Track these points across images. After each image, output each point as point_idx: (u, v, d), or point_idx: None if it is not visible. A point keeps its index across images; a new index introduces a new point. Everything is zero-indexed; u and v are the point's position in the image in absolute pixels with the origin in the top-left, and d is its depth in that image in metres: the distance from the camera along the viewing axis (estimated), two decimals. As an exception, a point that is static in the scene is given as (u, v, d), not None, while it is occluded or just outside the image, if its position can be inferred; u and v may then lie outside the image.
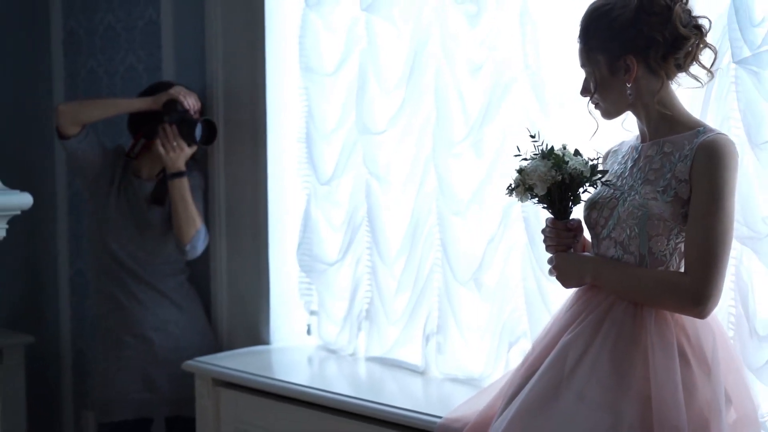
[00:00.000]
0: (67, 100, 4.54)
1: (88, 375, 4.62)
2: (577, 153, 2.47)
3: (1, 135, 4.55)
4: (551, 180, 2.42)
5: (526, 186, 2.45)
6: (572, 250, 2.52)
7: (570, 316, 2.47)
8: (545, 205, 2.50)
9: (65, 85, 4.56)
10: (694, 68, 2.42)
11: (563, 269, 2.51)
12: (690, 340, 2.34)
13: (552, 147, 2.47)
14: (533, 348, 2.58)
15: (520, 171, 2.47)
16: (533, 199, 2.49)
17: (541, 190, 2.43)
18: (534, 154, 2.48)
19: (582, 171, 2.42)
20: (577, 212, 2.53)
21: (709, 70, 2.41)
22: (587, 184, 2.45)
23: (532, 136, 2.51)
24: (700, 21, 2.38)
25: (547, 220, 2.53)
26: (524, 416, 2.34)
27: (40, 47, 4.63)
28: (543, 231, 2.56)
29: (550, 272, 2.55)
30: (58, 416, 4.77)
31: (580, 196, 2.48)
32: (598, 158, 2.49)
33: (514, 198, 2.54)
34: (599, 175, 2.44)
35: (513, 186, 2.49)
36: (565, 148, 2.47)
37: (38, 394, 4.71)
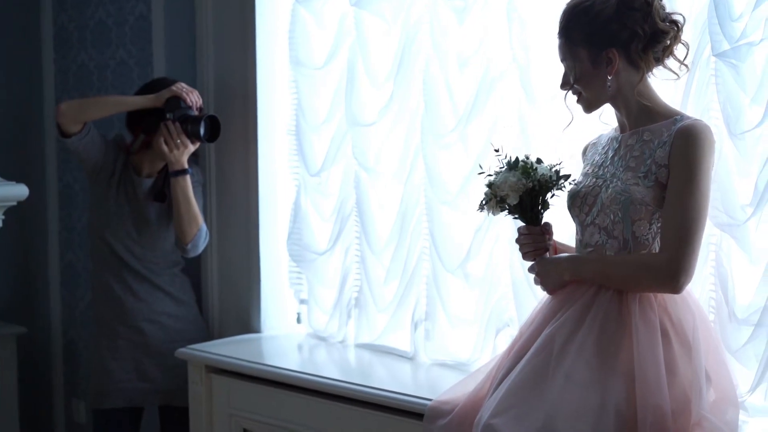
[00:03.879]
0: (58, 95, 4.58)
1: (79, 364, 4.67)
2: (539, 161, 2.58)
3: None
4: (523, 188, 2.53)
5: (498, 198, 2.55)
6: (548, 253, 2.62)
7: (557, 302, 2.56)
8: (516, 216, 2.61)
9: (56, 79, 4.60)
10: (670, 61, 2.54)
11: (543, 275, 2.61)
12: (672, 319, 2.44)
13: (517, 158, 2.58)
14: (520, 333, 2.66)
15: (490, 185, 2.58)
16: (504, 212, 2.60)
17: (513, 200, 2.54)
18: (500, 168, 2.58)
19: (550, 176, 2.54)
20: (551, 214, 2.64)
21: (683, 63, 2.53)
22: (555, 189, 2.56)
23: (496, 150, 2.62)
24: (675, 17, 2.50)
25: (520, 228, 2.63)
26: (513, 395, 2.42)
27: (31, 41, 4.66)
28: (517, 240, 2.66)
29: (535, 281, 2.65)
30: (48, 405, 4.81)
31: (548, 202, 2.59)
32: (560, 163, 2.59)
33: (484, 214, 2.64)
34: (563, 179, 2.56)
35: (485, 200, 2.59)
36: (528, 158, 2.58)
37: (29, 383, 4.74)
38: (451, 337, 3.33)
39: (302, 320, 3.86)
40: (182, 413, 3.75)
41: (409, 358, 3.42)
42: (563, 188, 2.57)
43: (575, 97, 2.60)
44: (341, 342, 3.65)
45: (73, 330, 4.70)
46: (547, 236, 2.62)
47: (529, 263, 2.65)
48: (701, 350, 2.41)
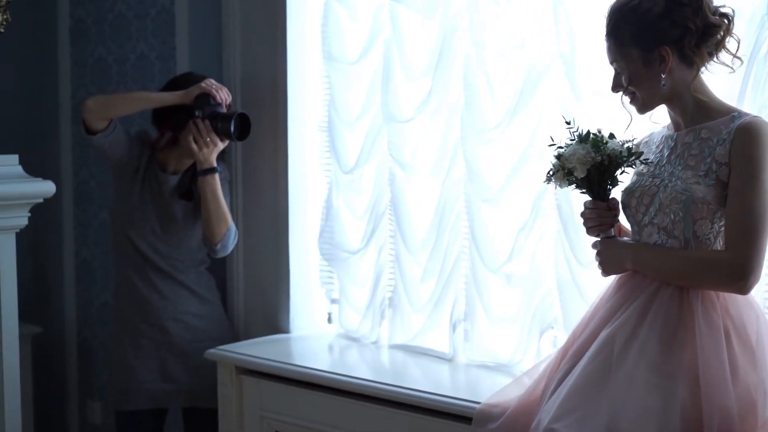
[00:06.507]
0: (74, 89, 4.51)
1: (95, 364, 4.61)
2: (612, 136, 2.54)
3: (6, 123, 4.50)
4: (591, 162, 2.48)
5: (566, 170, 2.50)
6: (612, 230, 2.57)
7: (614, 303, 2.52)
8: (584, 190, 2.55)
9: (72, 73, 4.52)
10: (722, 55, 2.49)
11: (605, 256, 2.56)
12: (734, 321, 2.40)
13: (588, 131, 2.53)
14: (574, 334, 2.62)
15: (559, 157, 2.53)
16: (572, 185, 2.55)
17: (581, 173, 2.49)
18: (570, 140, 2.54)
19: (620, 151, 2.49)
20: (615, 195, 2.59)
21: (736, 56, 2.48)
22: (625, 165, 2.51)
23: (567, 123, 2.57)
24: (724, 9, 2.46)
25: (586, 202, 2.58)
26: (574, 397, 2.38)
27: (47, 35, 4.59)
28: (582, 214, 2.61)
29: (596, 258, 2.59)
30: (63, 406, 4.74)
31: (617, 178, 2.54)
32: (632, 140, 2.55)
33: (552, 185, 2.60)
34: (634, 157, 2.50)
35: (552, 172, 2.54)
36: (600, 132, 2.53)
37: (44, 383, 4.68)
38: (492, 337, 3.27)
39: (333, 320, 3.79)
40: (207, 415, 3.69)
41: (447, 359, 3.36)
42: (634, 165, 2.52)
43: (627, 98, 2.55)
44: (374, 343, 3.59)
45: (87, 329, 4.63)
46: (614, 212, 2.57)
47: (594, 239, 2.60)
48: (767, 352, 2.38)
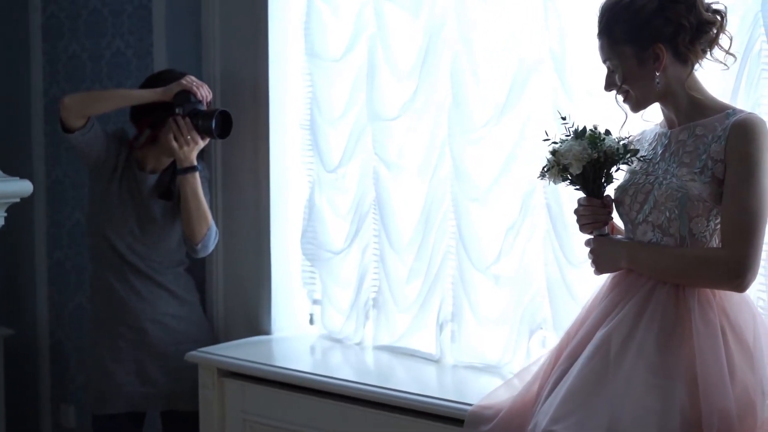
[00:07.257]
0: (46, 86, 4.43)
1: (68, 367, 4.53)
2: (608, 132, 2.52)
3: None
4: (587, 158, 2.46)
5: (561, 167, 2.48)
6: (606, 228, 2.55)
7: (609, 303, 2.49)
8: (578, 186, 2.53)
9: (44, 70, 4.43)
10: (716, 52, 2.48)
11: (599, 254, 2.54)
12: (730, 321, 2.39)
13: (585, 127, 2.51)
14: (568, 334, 2.60)
15: (554, 152, 2.50)
16: (565, 182, 2.52)
17: (576, 169, 2.47)
18: (566, 136, 2.50)
19: (617, 148, 2.47)
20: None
21: (729, 53, 2.46)
22: (620, 162, 2.49)
23: (563, 118, 2.55)
24: (716, 6, 2.45)
25: (580, 199, 2.56)
26: (572, 399, 2.35)
27: (18, 31, 4.50)
28: (576, 211, 2.58)
29: (589, 256, 2.56)
30: (35, 410, 4.66)
31: (612, 175, 2.51)
32: (628, 137, 2.53)
33: (542, 182, 2.57)
34: (630, 154, 2.48)
35: (547, 167, 2.52)
36: (596, 128, 2.51)
37: (16, 387, 4.59)
38: (480, 338, 3.23)
39: (315, 321, 3.74)
40: (186, 418, 3.63)
41: (434, 360, 3.32)
42: (630, 163, 2.50)
43: (621, 97, 2.53)
44: (358, 344, 3.54)
45: (60, 331, 4.54)
46: (608, 210, 2.55)
47: (587, 236, 2.58)
48: (765, 353, 2.37)
